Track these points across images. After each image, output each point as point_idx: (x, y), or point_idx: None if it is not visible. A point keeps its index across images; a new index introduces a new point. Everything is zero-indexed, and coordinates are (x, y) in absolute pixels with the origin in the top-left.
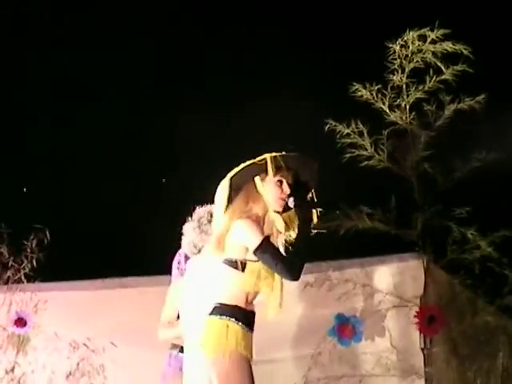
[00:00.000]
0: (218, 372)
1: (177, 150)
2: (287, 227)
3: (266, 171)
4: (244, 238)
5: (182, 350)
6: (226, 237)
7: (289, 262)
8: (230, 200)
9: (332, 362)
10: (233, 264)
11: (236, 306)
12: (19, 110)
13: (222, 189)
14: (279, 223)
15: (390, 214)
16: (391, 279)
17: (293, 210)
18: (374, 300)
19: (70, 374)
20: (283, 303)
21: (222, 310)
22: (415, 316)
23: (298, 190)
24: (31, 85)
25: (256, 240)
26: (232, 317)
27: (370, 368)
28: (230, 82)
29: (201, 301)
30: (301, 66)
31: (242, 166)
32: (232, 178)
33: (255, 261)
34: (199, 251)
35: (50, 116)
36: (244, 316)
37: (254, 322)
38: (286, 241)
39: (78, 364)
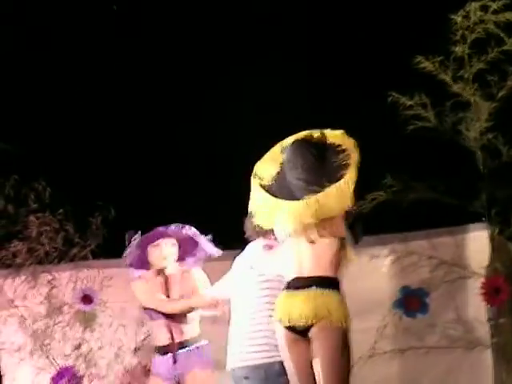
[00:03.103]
0: (336, 343)
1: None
2: None
3: None
4: None
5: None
6: None
7: None
8: None
9: (398, 334)
10: None
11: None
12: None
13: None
14: None
15: (455, 186)
16: (457, 250)
17: None
18: (440, 272)
19: (137, 350)
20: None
21: (332, 283)
22: (481, 287)
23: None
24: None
25: None
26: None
27: (436, 340)
28: (293, 53)
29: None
30: (364, 39)
31: None
32: None
33: None
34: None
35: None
36: None
37: None
38: None
39: (144, 340)
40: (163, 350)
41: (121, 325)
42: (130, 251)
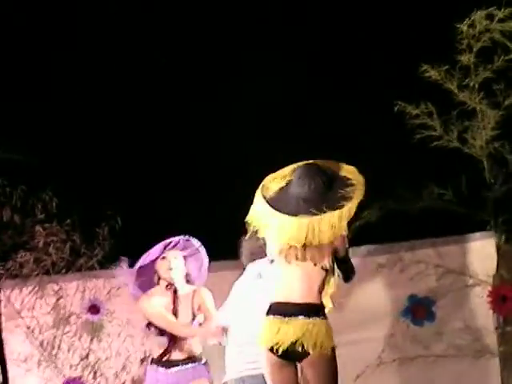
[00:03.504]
0: (326, 370)
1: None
2: None
3: None
4: None
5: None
6: None
7: None
8: None
9: (405, 342)
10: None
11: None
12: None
13: None
14: None
15: (461, 194)
16: (463, 259)
17: None
18: (447, 280)
19: (144, 359)
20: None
21: (319, 310)
22: (488, 295)
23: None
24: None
25: None
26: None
27: (444, 348)
28: (300, 63)
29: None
30: (370, 48)
31: None
32: None
33: None
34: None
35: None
36: None
37: None
38: None
39: (152, 350)
40: (164, 363)
41: (128, 335)
42: (131, 275)
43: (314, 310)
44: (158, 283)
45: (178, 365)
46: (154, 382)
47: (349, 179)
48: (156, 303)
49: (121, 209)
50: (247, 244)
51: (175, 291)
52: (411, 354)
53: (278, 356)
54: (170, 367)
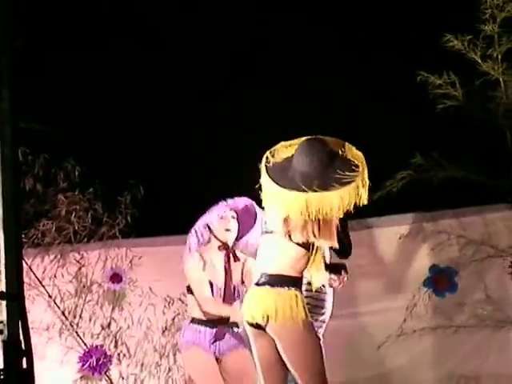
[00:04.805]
0: (290, 341)
1: None
2: None
3: None
4: None
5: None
6: None
7: None
8: None
9: (427, 313)
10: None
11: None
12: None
13: None
14: None
15: (484, 164)
16: (485, 230)
17: None
18: (469, 251)
19: (166, 329)
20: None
21: (287, 281)
22: (510, 266)
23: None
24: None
25: None
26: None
27: (465, 319)
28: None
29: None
30: (394, 17)
31: None
32: None
33: None
34: None
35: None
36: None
37: None
38: None
39: (173, 319)
40: (211, 324)
41: (150, 304)
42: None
43: (282, 280)
44: (209, 241)
45: (221, 324)
46: (193, 340)
47: (353, 164)
48: (210, 261)
49: (143, 177)
50: None
51: (230, 253)
52: (433, 324)
53: (249, 325)
54: (213, 327)
